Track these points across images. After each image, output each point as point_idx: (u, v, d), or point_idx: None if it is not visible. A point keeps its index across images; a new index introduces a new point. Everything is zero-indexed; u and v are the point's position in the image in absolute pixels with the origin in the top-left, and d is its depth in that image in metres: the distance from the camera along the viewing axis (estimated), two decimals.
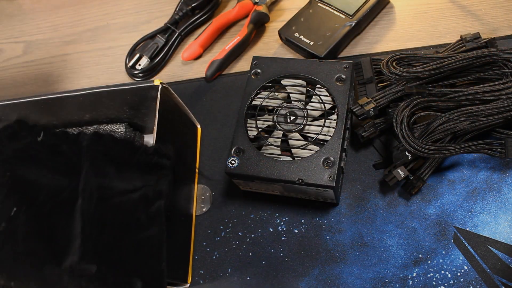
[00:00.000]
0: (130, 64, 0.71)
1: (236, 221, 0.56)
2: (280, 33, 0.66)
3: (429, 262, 0.49)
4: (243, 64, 0.68)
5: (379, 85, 0.56)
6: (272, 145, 0.52)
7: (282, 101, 0.54)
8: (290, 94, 0.55)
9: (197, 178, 0.60)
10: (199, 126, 0.64)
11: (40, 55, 0.80)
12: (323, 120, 0.51)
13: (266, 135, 0.53)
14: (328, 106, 0.52)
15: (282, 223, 0.55)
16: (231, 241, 0.55)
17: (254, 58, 0.57)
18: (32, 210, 0.41)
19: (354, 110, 0.51)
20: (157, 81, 0.51)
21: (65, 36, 0.81)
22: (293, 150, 0.51)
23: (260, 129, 0.53)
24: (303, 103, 0.53)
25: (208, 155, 0.62)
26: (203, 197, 0.59)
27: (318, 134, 0.51)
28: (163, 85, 0.52)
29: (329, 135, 0.50)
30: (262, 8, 0.68)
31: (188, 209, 0.57)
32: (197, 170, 0.59)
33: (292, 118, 0.52)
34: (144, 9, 0.79)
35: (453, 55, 0.50)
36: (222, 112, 0.64)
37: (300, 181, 0.48)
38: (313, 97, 0.53)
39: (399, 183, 0.53)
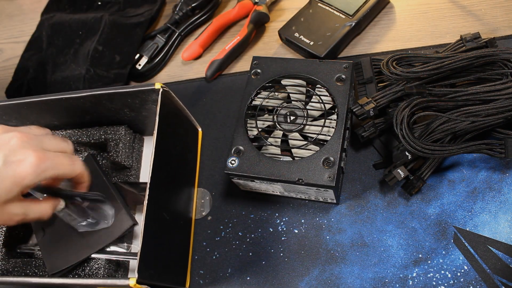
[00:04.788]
0: None
1: (236, 221, 0.56)
2: (280, 33, 0.66)
3: (429, 262, 0.49)
4: (243, 64, 0.68)
5: (379, 85, 0.56)
6: (272, 145, 0.52)
7: (282, 101, 0.54)
8: (290, 94, 0.55)
9: (197, 182, 0.60)
10: (200, 129, 0.63)
11: None
12: (323, 120, 0.51)
13: (266, 135, 0.53)
14: (328, 106, 0.52)
15: (282, 223, 0.55)
16: (231, 241, 0.55)
17: (254, 58, 0.57)
18: None
19: (354, 110, 0.51)
20: (158, 84, 0.51)
21: None
22: (293, 150, 0.51)
23: (260, 129, 0.53)
24: (303, 103, 0.53)
25: (208, 155, 0.62)
26: (202, 200, 0.59)
27: (318, 134, 0.51)
28: (164, 88, 0.52)
29: (329, 135, 0.50)
30: (262, 8, 0.68)
31: (187, 213, 0.57)
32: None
33: (292, 118, 0.52)
34: None
35: (453, 55, 0.50)
36: (222, 112, 0.64)
37: (300, 181, 0.48)
38: (313, 97, 0.53)
39: (399, 183, 0.53)
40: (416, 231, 0.50)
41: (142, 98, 0.54)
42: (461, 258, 0.48)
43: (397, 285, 0.48)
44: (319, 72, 0.53)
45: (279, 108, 0.53)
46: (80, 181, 0.48)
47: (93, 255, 0.51)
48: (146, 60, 0.71)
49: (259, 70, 0.56)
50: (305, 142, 0.51)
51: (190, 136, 0.61)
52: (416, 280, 0.48)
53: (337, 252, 0.52)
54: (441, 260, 0.48)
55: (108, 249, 0.52)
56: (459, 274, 0.47)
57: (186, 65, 0.71)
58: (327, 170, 0.48)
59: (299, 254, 0.53)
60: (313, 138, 0.51)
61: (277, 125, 0.53)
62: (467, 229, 0.49)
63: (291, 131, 0.52)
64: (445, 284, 0.47)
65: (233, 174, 0.51)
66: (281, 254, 0.53)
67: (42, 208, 0.45)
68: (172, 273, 0.52)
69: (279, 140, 0.53)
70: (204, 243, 0.56)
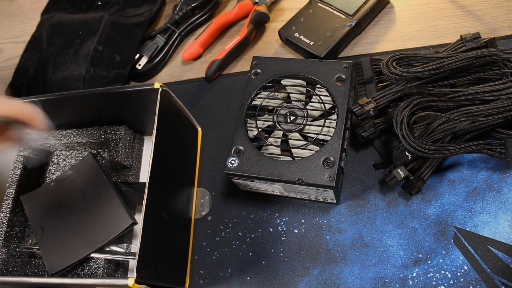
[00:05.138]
0: None
1: (236, 221, 0.56)
2: (280, 33, 0.66)
3: (429, 262, 0.49)
4: (243, 64, 0.68)
5: (379, 85, 0.56)
6: (272, 145, 0.52)
7: (282, 101, 0.54)
8: (290, 94, 0.55)
9: (196, 181, 0.60)
10: (199, 129, 0.63)
11: None
12: (323, 120, 0.51)
13: (266, 135, 0.53)
14: (328, 106, 0.52)
15: (282, 223, 0.55)
16: (231, 241, 0.55)
17: (254, 58, 0.57)
18: None
19: (354, 110, 0.51)
20: (157, 84, 0.51)
21: None
22: (293, 150, 0.51)
23: (260, 129, 0.53)
24: (303, 103, 0.53)
25: (208, 155, 0.62)
26: (202, 200, 0.59)
27: (318, 134, 0.51)
28: (163, 88, 0.52)
29: (329, 135, 0.50)
30: (262, 8, 0.68)
31: (187, 213, 0.57)
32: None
33: (292, 118, 0.52)
34: None
35: (453, 55, 0.50)
36: (222, 112, 0.64)
37: (300, 181, 0.48)
38: (313, 97, 0.53)
39: (399, 183, 0.52)
40: (416, 231, 0.50)
41: (141, 98, 0.54)
42: (461, 258, 0.48)
43: (397, 285, 0.48)
44: (319, 72, 0.53)
45: (279, 108, 0.53)
46: (28, 121, 0.44)
47: (92, 255, 0.51)
48: (146, 60, 0.71)
49: (259, 70, 0.56)
50: (305, 142, 0.51)
51: (190, 135, 0.61)
52: (416, 280, 0.48)
53: (337, 252, 0.52)
54: (441, 260, 0.48)
55: (107, 249, 0.52)
56: (459, 274, 0.47)
57: (186, 65, 0.71)
58: (327, 170, 0.48)
59: (299, 254, 0.53)
60: (313, 138, 0.51)
61: (277, 125, 0.53)
62: (467, 229, 0.49)
63: (291, 131, 0.52)
64: (445, 284, 0.47)
65: (233, 174, 0.51)
66: (281, 254, 0.53)
67: None
68: (171, 273, 0.52)
69: (279, 140, 0.53)
70: (204, 243, 0.56)
